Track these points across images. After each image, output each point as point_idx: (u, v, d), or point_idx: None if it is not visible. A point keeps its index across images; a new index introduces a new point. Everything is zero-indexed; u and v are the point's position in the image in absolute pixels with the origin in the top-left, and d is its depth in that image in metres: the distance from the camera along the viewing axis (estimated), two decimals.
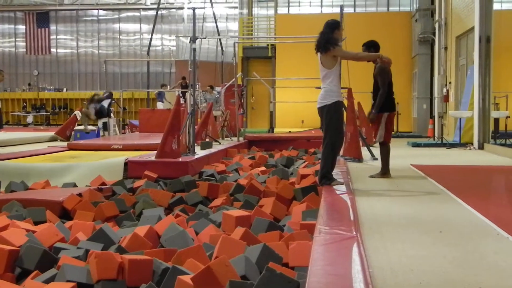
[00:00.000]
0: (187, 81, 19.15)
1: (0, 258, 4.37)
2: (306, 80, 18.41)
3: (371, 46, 7.68)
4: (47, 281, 3.99)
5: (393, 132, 8.18)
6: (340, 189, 6.28)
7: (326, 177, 6.64)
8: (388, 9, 25.81)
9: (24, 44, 34.18)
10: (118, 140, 13.47)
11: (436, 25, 19.90)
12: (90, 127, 16.08)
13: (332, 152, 6.66)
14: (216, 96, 19.65)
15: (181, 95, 18.56)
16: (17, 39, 34.47)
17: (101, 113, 16.11)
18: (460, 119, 14.18)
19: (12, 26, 34.48)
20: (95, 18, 33.96)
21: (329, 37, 6.66)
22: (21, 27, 34.22)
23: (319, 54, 6.73)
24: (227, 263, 3.76)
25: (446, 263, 3.33)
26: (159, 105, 22.50)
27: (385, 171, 7.70)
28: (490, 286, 2.89)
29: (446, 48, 18.94)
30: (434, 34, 20.59)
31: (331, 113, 6.60)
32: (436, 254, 3.52)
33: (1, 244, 4.62)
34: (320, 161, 6.96)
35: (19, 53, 34.46)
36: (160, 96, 23.10)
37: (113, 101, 17.24)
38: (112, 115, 16.94)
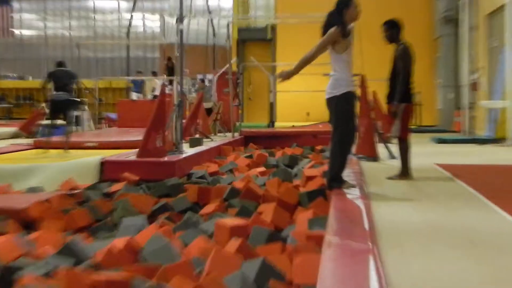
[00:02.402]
0: (174, 62, 19.14)
1: None
2: (313, 66, 18.40)
3: (394, 26, 7.71)
4: None
5: (412, 126, 8.20)
6: (352, 193, 6.27)
7: (335, 179, 6.62)
8: None
9: None
10: (92, 137, 13.50)
11: (461, 2, 19.84)
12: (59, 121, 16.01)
13: (342, 150, 6.63)
14: (208, 85, 19.67)
15: (166, 83, 18.54)
16: None
17: None
18: (492, 110, 14.15)
19: None
20: None
21: (335, 18, 6.64)
22: None
23: None
24: (220, 281, 3.74)
25: (477, 281, 3.29)
26: (134, 96, 22.48)
27: (405, 172, 7.69)
28: None
29: (474, 28, 18.86)
30: (459, 12, 20.53)
31: (341, 105, 6.58)
32: (465, 271, 3.48)
33: None
34: (328, 160, 6.94)
35: None
36: (136, 86, 23.05)
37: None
38: (85, 107, 16.93)
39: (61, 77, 13.14)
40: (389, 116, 7.90)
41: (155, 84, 21.97)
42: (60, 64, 13.88)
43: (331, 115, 6.76)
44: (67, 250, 4.93)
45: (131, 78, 23.67)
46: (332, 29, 6.47)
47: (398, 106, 7.57)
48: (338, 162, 6.64)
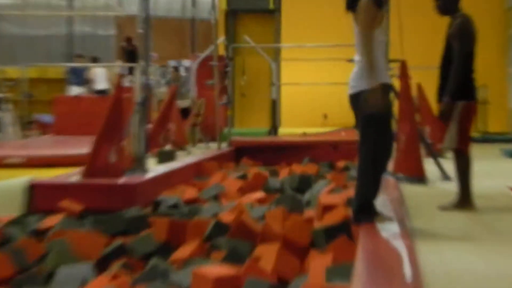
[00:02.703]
0: (135, 44, 19.17)
1: None
2: (331, 48, 18.42)
3: None
4: None
5: (475, 134, 8.19)
6: (389, 229, 6.27)
7: (364, 210, 6.62)
8: None
9: None
10: (17, 149, 13.46)
11: None
12: None
13: (374, 169, 6.65)
14: (184, 75, 19.68)
15: (125, 73, 18.57)
16: None
17: None
18: None
19: None
20: None
21: None
22: None
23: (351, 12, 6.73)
24: None
25: None
26: (74, 91, 22.21)
27: (464, 200, 7.69)
28: None
29: None
30: None
31: (371, 104, 6.53)
32: None
33: None
34: (355, 183, 6.92)
35: None
36: (76, 76, 22.87)
37: None
38: (8, 106, 16.92)
39: None
40: (441, 119, 7.89)
41: (93, 74, 22.00)
42: None
43: (357, 119, 6.76)
44: None
45: (68, 64, 23.45)
46: (362, 2, 6.45)
47: (453, 105, 7.56)
48: (368, 186, 6.63)
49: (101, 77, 21.69)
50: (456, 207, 7.63)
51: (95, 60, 23.76)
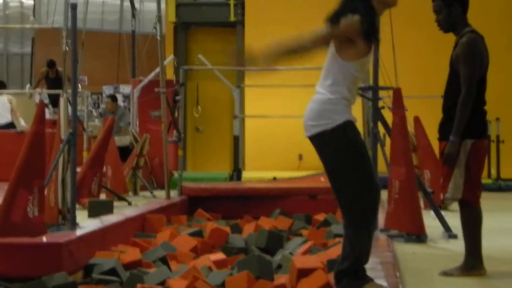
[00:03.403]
0: (59, 69, 19.13)
1: None
2: (307, 71, 18.55)
3: (457, 2, 7.77)
4: None
5: (485, 180, 8.25)
6: None
7: (350, 274, 6.54)
8: None
9: None
10: None
11: None
12: None
13: (362, 231, 6.55)
14: (122, 106, 19.69)
15: (46, 100, 18.53)
16: None
17: None
18: None
19: None
20: None
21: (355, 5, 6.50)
22: None
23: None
24: None
25: None
26: None
27: (473, 262, 7.74)
28: None
29: None
30: None
31: (336, 148, 6.50)
32: None
33: None
34: (341, 241, 6.93)
35: None
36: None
37: None
38: None
39: None
40: (444, 162, 7.88)
41: None
42: None
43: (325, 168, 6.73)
44: None
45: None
46: (353, 18, 6.30)
47: (459, 144, 7.63)
48: (356, 247, 6.58)
49: (4, 111, 20.92)
50: (462, 272, 7.63)
51: (2, 85, 22.77)
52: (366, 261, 6.60)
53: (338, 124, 6.33)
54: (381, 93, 11.42)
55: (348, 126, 6.39)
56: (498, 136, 20.79)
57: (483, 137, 7.73)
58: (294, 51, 6.50)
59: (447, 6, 7.64)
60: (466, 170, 7.51)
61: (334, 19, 6.41)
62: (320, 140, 6.44)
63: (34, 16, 29.85)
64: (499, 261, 8.03)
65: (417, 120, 13.68)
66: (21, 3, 32.62)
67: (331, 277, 7.40)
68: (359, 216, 6.49)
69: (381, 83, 11.10)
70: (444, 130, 7.68)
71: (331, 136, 6.36)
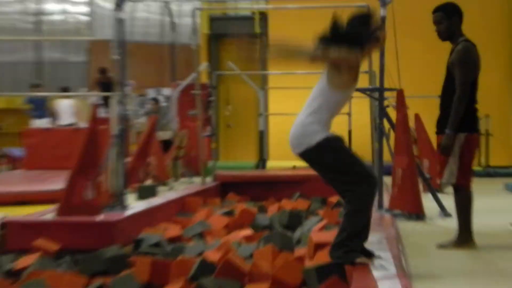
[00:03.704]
0: (110, 75, 19.04)
1: None
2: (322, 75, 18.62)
3: (452, 13, 7.84)
4: None
5: (477, 167, 8.35)
6: (385, 269, 6.22)
7: (344, 246, 6.38)
8: None
9: None
10: None
11: None
12: None
13: (360, 207, 6.43)
14: (164, 105, 19.68)
15: (100, 102, 18.57)
16: None
17: None
18: None
19: None
20: None
21: (357, 31, 6.43)
22: None
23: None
24: None
25: None
26: (36, 124, 21.44)
27: (464, 237, 7.77)
28: None
29: None
30: None
31: (327, 154, 6.44)
32: None
33: None
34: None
35: None
36: (37, 106, 22.07)
37: None
38: None
39: None
40: (441, 152, 7.93)
41: (57, 107, 21.31)
42: None
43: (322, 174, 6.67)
44: None
45: (26, 94, 22.83)
46: (351, 51, 6.26)
47: (454, 137, 7.76)
48: (354, 225, 6.36)
49: (67, 110, 21.09)
50: (455, 245, 7.70)
51: (65, 90, 22.44)
52: (364, 237, 6.49)
53: (320, 139, 6.34)
54: (386, 94, 11.45)
55: (330, 136, 6.40)
56: (487, 130, 20.84)
57: (474, 131, 7.76)
58: (292, 55, 6.69)
59: (448, 17, 7.73)
60: (459, 159, 7.60)
61: (329, 41, 6.40)
62: (309, 155, 6.47)
63: (88, 29, 29.91)
64: (486, 236, 7.98)
65: (417, 117, 13.68)
66: (78, 18, 32.51)
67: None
68: (358, 209, 6.39)
69: (386, 85, 11.18)
70: (441, 125, 7.79)
71: (317, 148, 6.37)
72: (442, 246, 7.84)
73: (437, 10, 7.87)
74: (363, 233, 6.42)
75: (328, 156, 6.37)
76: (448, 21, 7.79)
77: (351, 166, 6.37)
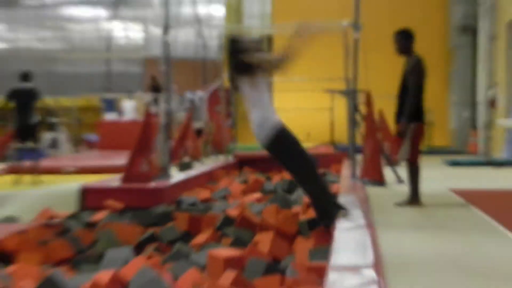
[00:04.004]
0: (159, 81, 19.07)
1: None
2: (312, 81, 18.49)
3: (407, 37, 7.84)
4: None
5: (423, 148, 8.26)
6: (357, 221, 6.28)
7: (326, 215, 6.51)
8: None
9: None
10: (71, 161, 13.46)
11: (481, 9, 19.87)
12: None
13: (313, 184, 6.54)
14: (198, 103, 19.52)
15: (152, 102, 18.51)
16: None
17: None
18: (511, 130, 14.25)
19: None
20: (38, 2, 33.93)
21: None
22: None
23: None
24: None
25: None
26: (107, 117, 22.00)
27: (414, 198, 7.77)
28: None
29: (493, 39, 18.83)
30: (477, 20, 20.57)
31: (281, 144, 6.50)
32: None
33: None
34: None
35: None
36: (108, 105, 22.80)
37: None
38: (61, 128, 16.96)
39: (23, 96, 13.57)
40: (398, 136, 7.96)
41: (123, 107, 21.70)
42: (25, 77, 13.94)
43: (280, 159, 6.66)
44: (48, 284, 4.99)
45: (105, 95, 23.28)
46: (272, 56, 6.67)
47: (407, 125, 7.67)
48: (318, 196, 6.54)
49: (129, 109, 21.15)
50: (408, 204, 7.72)
51: (130, 93, 23.00)
52: (331, 199, 6.65)
53: (275, 131, 6.36)
54: (359, 94, 11.37)
55: (282, 128, 6.48)
56: (430, 121, 20.82)
57: (422, 122, 7.73)
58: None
59: (404, 39, 7.76)
60: (411, 141, 7.59)
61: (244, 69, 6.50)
62: (271, 145, 6.44)
63: (144, 49, 29.88)
64: (429, 197, 7.99)
65: (380, 111, 13.59)
66: (136, 41, 32.43)
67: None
68: (305, 175, 6.49)
69: (359, 88, 11.04)
70: (398, 117, 7.76)
71: (275, 138, 6.38)
72: (398, 205, 7.82)
73: (397, 33, 7.88)
74: (325, 194, 6.52)
75: (282, 144, 6.49)
76: (404, 41, 7.79)
77: (299, 152, 6.49)
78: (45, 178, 11.31)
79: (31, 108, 13.96)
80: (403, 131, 7.68)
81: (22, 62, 33.29)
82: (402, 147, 7.71)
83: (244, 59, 6.46)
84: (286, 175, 12.99)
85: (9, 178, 11.78)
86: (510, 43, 17.73)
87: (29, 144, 15.69)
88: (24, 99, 13.82)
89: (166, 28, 11.24)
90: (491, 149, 16.83)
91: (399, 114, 7.79)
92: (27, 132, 13.95)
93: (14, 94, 13.68)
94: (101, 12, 32.91)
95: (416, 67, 7.65)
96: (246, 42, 6.59)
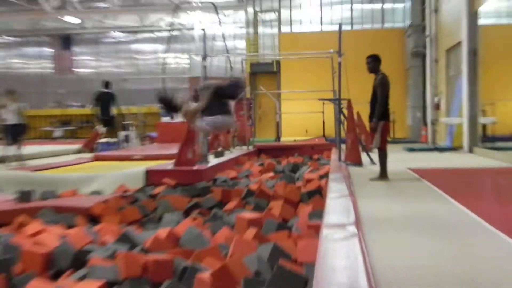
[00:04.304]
0: (199, 94, 19.04)
1: (37, 259, 4.45)
2: (309, 92, 18.42)
3: (376, 59, 7.85)
4: (79, 279, 4.05)
5: (389, 139, 8.22)
6: (341, 191, 6.26)
7: None
8: (382, 26, 25.74)
9: (51, 65, 34.41)
10: (138, 151, 13.49)
11: (427, 40, 19.90)
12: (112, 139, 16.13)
13: None
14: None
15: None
16: (44, 61, 34.68)
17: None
18: (451, 125, 14.17)
19: (40, 49, 34.71)
20: (114, 40, 34.10)
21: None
22: (48, 50, 34.46)
23: None
24: (241, 261, 3.80)
25: (441, 257, 3.35)
26: (164, 119, 21.87)
27: (383, 174, 7.74)
28: (482, 278, 2.91)
29: (436, 61, 18.93)
30: (425, 48, 20.57)
31: None
32: (431, 249, 3.55)
33: (37, 247, 4.71)
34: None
35: (47, 74, 34.60)
36: (164, 111, 22.76)
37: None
38: (132, 128, 17.00)
39: (105, 97, 14.82)
40: (371, 131, 7.92)
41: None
42: (106, 84, 15.45)
43: None
44: (124, 238, 5.01)
45: (159, 105, 23.47)
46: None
47: (377, 123, 7.62)
48: None
49: (178, 114, 20.90)
50: (378, 178, 7.70)
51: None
52: None
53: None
54: (343, 102, 11.31)
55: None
56: (393, 120, 20.70)
57: (388, 120, 7.73)
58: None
59: (373, 61, 7.78)
60: (380, 134, 7.57)
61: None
62: None
63: (188, 71, 29.88)
64: (394, 173, 7.97)
65: (358, 113, 13.48)
66: (183, 65, 32.46)
67: (321, 182, 7.43)
68: None
69: (342, 96, 10.97)
70: (371, 117, 7.73)
71: None
72: (371, 179, 7.79)
73: (368, 57, 7.93)
74: None
75: None
76: (373, 63, 7.79)
77: None
78: (121, 163, 11.34)
79: (110, 106, 14.64)
80: (374, 127, 7.65)
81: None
82: (375, 138, 7.66)
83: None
84: (291, 160, 13.00)
85: (96, 163, 11.83)
86: (447, 64, 17.80)
87: (111, 139, 15.85)
88: (105, 99, 14.54)
89: (204, 56, 11.24)
90: (437, 139, 16.77)
91: (371, 115, 7.76)
92: (108, 122, 14.76)
93: (99, 96, 14.97)
94: (158, 46, 33.05)
95: (382, 81, 7.62)
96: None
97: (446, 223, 4.45)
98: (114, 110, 15.66)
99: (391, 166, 8.00)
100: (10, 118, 11.71)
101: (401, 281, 2.91)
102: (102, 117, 15.38)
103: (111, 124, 15.81)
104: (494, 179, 8.18)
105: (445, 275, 3.00)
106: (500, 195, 6.54)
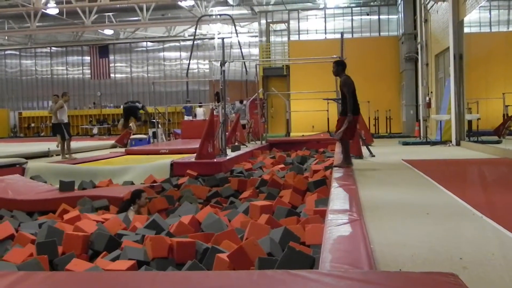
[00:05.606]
0: (219, 95, 19.10)
1: (77, 242, 4.46)
2: (315, 93, 18.31)
3: (339, 64, 7.72)
4: (113, 260, 4.07)
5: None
6: (345, 180, 6.21)
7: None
8: (379, 34, 25.56)
9: (89, 71, 34.77)
10: (165, 146, 13.53)
11: (419, 46, 19.71)
12: (142, 136, 16.22)
13: None
14: (243, 108, 19.48)
15: (214, 107, 18.54)
16: (84, 68, 35.01)
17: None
18: (440, 121, 14.04)
19: (80, 57, 35.10)
20: (145, 48, 34.29)
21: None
22: (87, 58, 34.80)
23: None
24: (256, 243, 3.79)
25: (433, 238, 3.31)
26: (186, 118, 21.97)
27: (348, 161, 7.66)
28: (469, 256, 2.88)
29: (427, 65, 18.77)
30: (417, 53, 20.39)
31: None
32: (424, 231, 3.51)
33: (77, 232, 4.72)
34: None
35: (86, 79, 35.01)
36: (187, 111, 22.81)
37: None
38: (159, 125, 17.04)
39: (128, 112, 16.22)
40: (337, 124, 7.79)
41: (196, 112, 21.53)
42: (127, 102, 17.03)
43: None
44: (152, 224, 5.02)
45: (182, 105, 23.53)
46: None
47: (343, 118, 7.51)
48: None
49: (200, 113, 20.98)
50: (343, 165, 7.56)
51: (200, 104, 23.21)
52: None
53: None
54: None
55: None
56: (387, 117, 20.55)
57: (356, 114, 7.56)
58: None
59: (337, 66, 7.66)
60: (345, 127, 7.43)
61: None
62: None
63: (209, 75, 29.92)
64: (390, 164, 7.90)
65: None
66: (204, 70, 32.51)
67: (326, 173, 7.38)
68: None
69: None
70: (342, 113, 7.60)
71: None
72: (337, 166, 7.61)
73: (334, 62, 7.82)
74: None
75: None
76: (337, 67, 7.68)
77: None
78: (149, 157, 11.35)
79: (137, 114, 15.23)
80: (341, 121, 7.55)
81: (135, 86, 34.01)
82: (340, 129, 7.52)
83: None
84: (299, 153, 12.98)
85: (128, 157, 11.86)
86: (437, 67, 17.67)
87: (141, 136, 15.90)
88: (128, 113, 16.27)
89: (223, 62, 11.25)
90: (428, 134, 16.63)
91: (343, 111, 7.62)
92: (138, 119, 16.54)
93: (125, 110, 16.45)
94: (183, 54, 33.09)
95: (345, 82, 7.48)
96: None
97: (437, 208, 4.40)
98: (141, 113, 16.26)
99: (389, 158, 7.93)
100: (65, 118, 11.76)
101: (396, 258, 2.88)
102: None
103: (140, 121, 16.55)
104: (479, 169, 8.08)
105: (436, 252, 2.98)
106: (485, 183, 6.47)
